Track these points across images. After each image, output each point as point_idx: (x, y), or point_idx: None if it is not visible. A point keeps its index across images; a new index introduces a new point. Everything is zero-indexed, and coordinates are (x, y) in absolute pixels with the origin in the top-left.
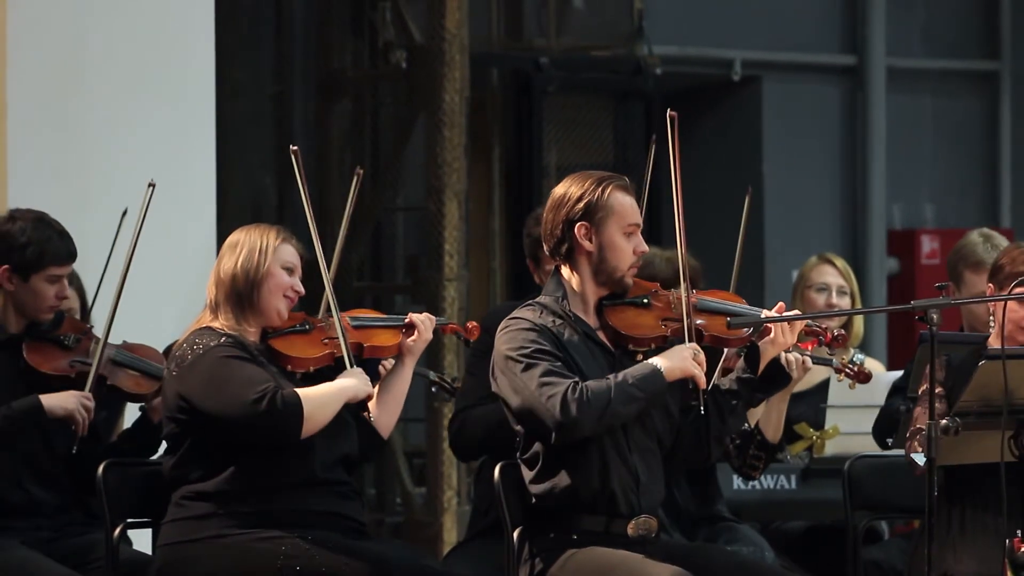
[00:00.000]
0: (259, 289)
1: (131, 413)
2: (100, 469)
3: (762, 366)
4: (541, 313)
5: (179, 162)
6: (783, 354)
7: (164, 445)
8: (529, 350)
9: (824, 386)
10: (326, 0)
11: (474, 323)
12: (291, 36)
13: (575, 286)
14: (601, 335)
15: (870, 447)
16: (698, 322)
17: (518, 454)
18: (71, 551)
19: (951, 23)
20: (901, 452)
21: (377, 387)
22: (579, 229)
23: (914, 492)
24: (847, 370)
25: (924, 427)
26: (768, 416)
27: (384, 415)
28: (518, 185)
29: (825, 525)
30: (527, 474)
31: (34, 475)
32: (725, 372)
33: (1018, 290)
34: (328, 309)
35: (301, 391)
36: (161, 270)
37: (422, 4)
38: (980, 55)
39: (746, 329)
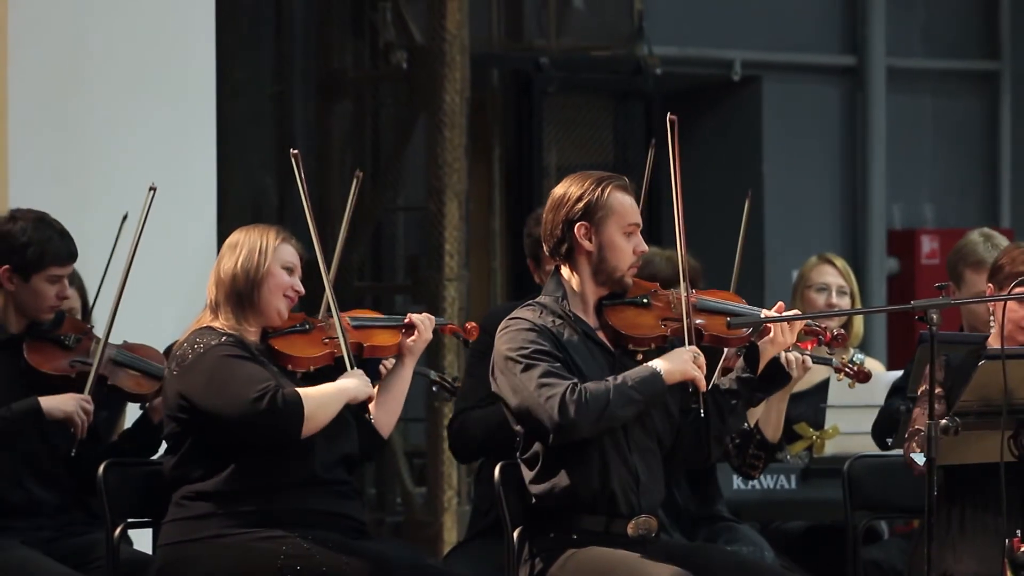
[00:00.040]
0: (259, 289)
1: (132, 413)
2: (101, 469)
3: (762, 366)
4: (541, 313)
5: (179, 162)
6: (783, 353)
7: (164, 445)
8: (529, 350)
9: (824, 386)
10: (326, 0)
11: (473, 323)
12: (291, 36)
13: (575, 286)
14: (601, 335)
15: (870, 447)
16: (698, 322)
17: (518, 454)
18: (72, 551)
19: (951, 23)
20: (901, 452)
21: (377, 387)
22: (579, 229)
23: (914, 492)
24: (847, 370)
25: (923, 428)
26: (768, 416)
27: (384, 415)
28: (518, 185)
29: (825, 525)
30: (527, 474)
31: (35, 475)
32: (725, 372)
33: (1018, 290)
34: (328, 309)
35: (302, 390)
36: (161, 270)
37: (422, 5)
38: (980, 55)
39: (746, 329)
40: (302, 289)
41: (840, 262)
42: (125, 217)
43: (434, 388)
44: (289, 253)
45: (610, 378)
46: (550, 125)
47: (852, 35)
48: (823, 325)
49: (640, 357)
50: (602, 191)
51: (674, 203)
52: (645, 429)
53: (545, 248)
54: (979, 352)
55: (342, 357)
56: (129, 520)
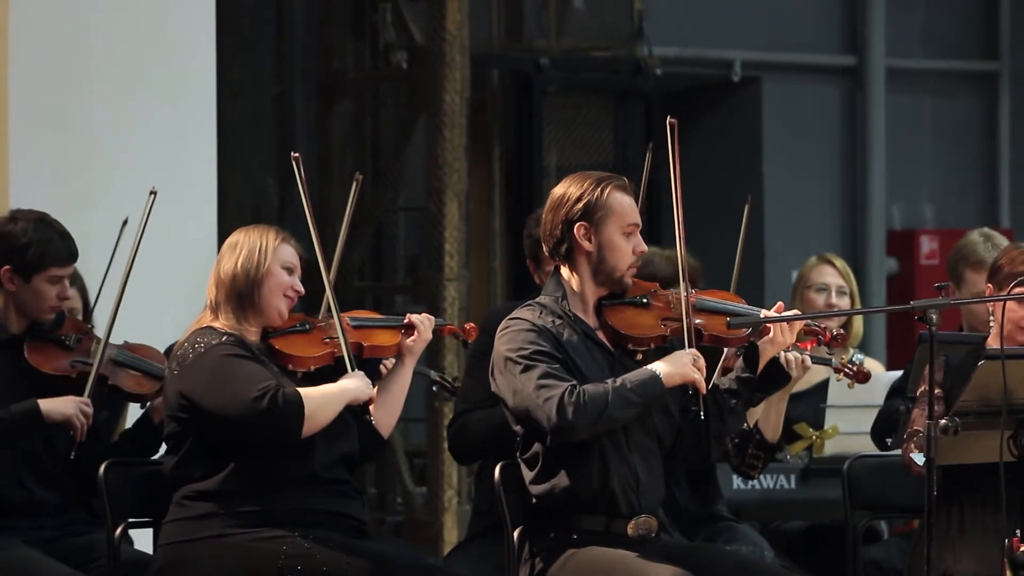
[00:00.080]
0: (259, 289)
1: (133, 413)
2: (101, 469)
3: (761, 365)
4: (541, 313)
5: (180, 163)
6: (782, 353)
7: (165, 445)
8: (528, 351)
9: (823, 386)
10: (327, 1)
11: (472, 324)
12: (292, 37)
13: (575, 286)
14: (601, 335)
15: (869, 447)
16: (697, 322)
17: (518, 454)
18: (72, 551)
19: (951, 24)
20: (900, 452)
21: (377, 387)
22: (578, 229)
23: (913, 492)
24: (846, 370)
25: (921, 429)
26: (767, 416)
27: (384, 415)
28: (518, 185)
29: (825, 525)
30: (527, 474)
31: (36, 475)
32: (725, 371)
33: (1017, 290)
34: (328, 309)
35: (302, 390)
36: (162, 271)
37: (423, 5)
38: (979, 55)
39: (745, 329)
40: (302, 289)
41: (840, 262)
42: (125, 222)
43: (434, 388)
44: (289, 253)
45: (609, 380)
46: (550, 125)
47: (852, 35)
48: (823, 325)
49: (640, 357)
50: (601, 191)
51: (674, 207)
52: (645, 429)
53: (545, 248)
54: (978, 352)
55: (342, 357)
56: (130, 520)
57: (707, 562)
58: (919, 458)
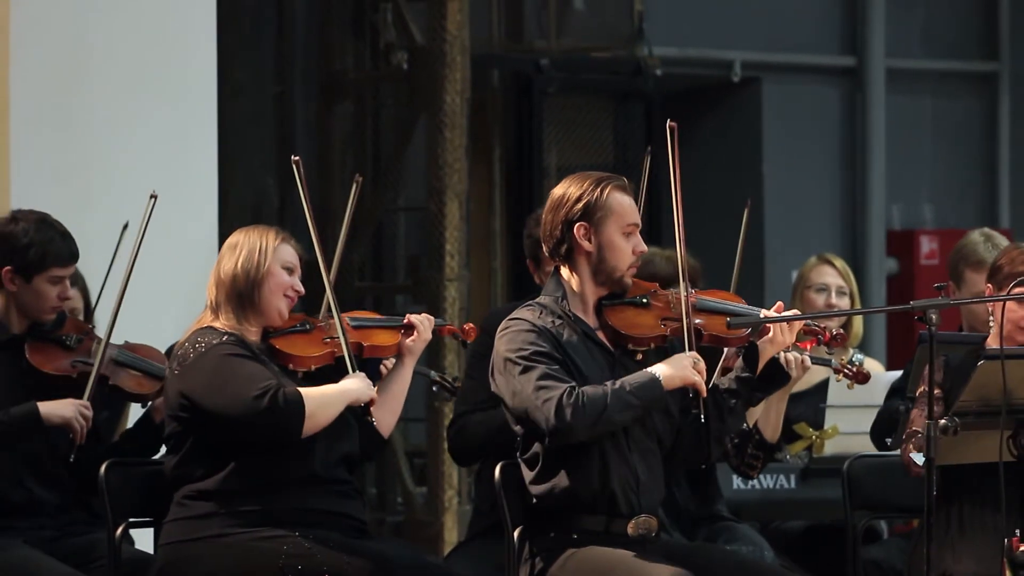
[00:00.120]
0: (260, 289)
1: (134, 413)
2: (102, 469)
3: (761, 365)
4: (540, 314)
5: (180, 163)
6: (782, 354)
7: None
8: (528, 352)
9: (823, 386)
10: (327, 1)
11: (471, 324)
12: (292, 37)
13: (574, 286)
14: (600, 335)
15: (869, 447)
16: (697, 321)
17: (518, 454)
18: (73, 550)
19: (950, 24)
20: (899, 452)
21: (377, 387)
22: (578, 229)
23: (913, 492)
24: (846, 370)
25: (920, 429)
26: (767, 416)
27: (385, 414)
28: (518, 186)
29: (824, 524)
30: (527, 474)
31: (36, 475)
32: (724, 371)
33: (1017, 290)
34: (328, 310)
35: (303, 390)
36: (162, 271)
37: (423, 5)
38: (979, 56)
39: (745, 329)
40: (302, 289)
41: (839, 262)
42: (126, 226)
43: (434, 388)
44: (289, 253)
45: (608, 383)
46: (550, 126)
47: (852, 36)
48: (822, 325)
49: (640, 357)
50: (601, 191)
51: (674, 211)
52: (645, 429)
53: (544, 248)
54: (978, 352)
55: (343, 357)
56: (130, 520)
57: (707, 562)
58: (919, 458)
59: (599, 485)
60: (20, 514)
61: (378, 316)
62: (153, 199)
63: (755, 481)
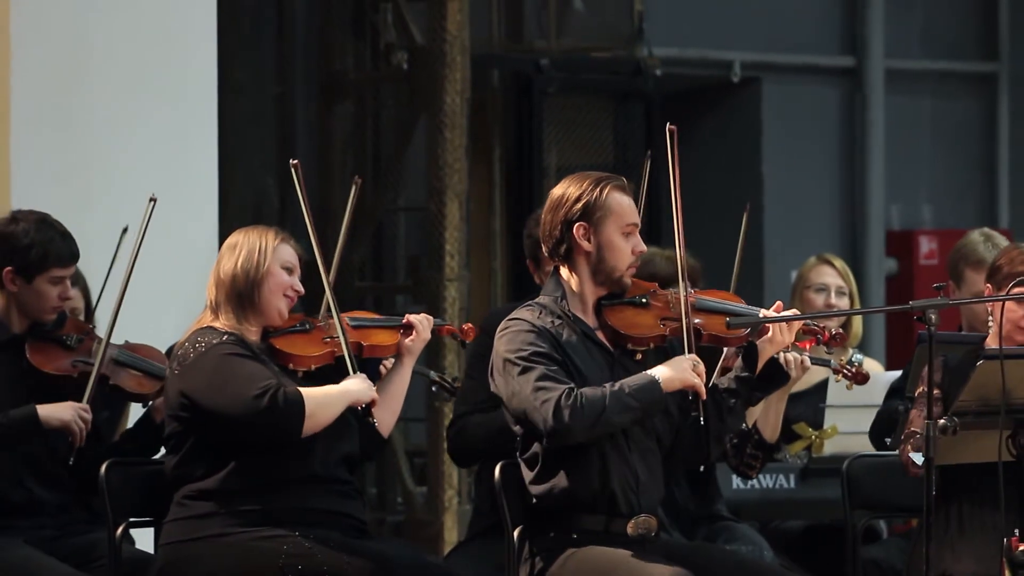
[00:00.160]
0: (259, 289)
1: (134, 413)
2: (102, 469)
3: (760, 365)
4: (540, 314)
5: (181, 163)
6: (781, 354)
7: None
8: (527, 353)
9: (823, 386)
10: (327, 1)
11: (470, 324)
12: (293, 37)
13: (574, 286)
14: (600, 335)
15: (868, 447)
16: (696, 321)
17: (518, 454)
18: (73, 550)
19: (950, 25)
20: (898, 452)
21: (377, 387)
22: (577, 229)
23: (912, 491)
24: (845, 371)
25: (918, 430)
26: (766, 416)
27: (384, 414)
28: (518, 186)
29: (824, 524)
30: (527, 474)
31: (36, 475)
32: (724, 371)
33: (1016, 290)
34: (327, 310)
35: (304, 390)
36: (163, 271)
37: (423, 6)
38: (978, 56)
39: (744, 328)
40: (301, 289)
41: (839, 263)
42: (125, 230)
43: (433, 388)
44: (288, 253)
45: (607, 384)
46: (550, 126)
47: (851, 36)
48: (822, 325)
49: (639, 357)
50: (600, 191)
51: (674, 215)
52: (644, 429)
53: (544, 248)
54: (977, 352)
55: (343, 356)
56: (131, 519)
57: (707, 562)
58: (917, 458)
59: (599, 485)
60: (20, 514)
61: (377, 316)
62: (152, 202)
63: (755, 481)
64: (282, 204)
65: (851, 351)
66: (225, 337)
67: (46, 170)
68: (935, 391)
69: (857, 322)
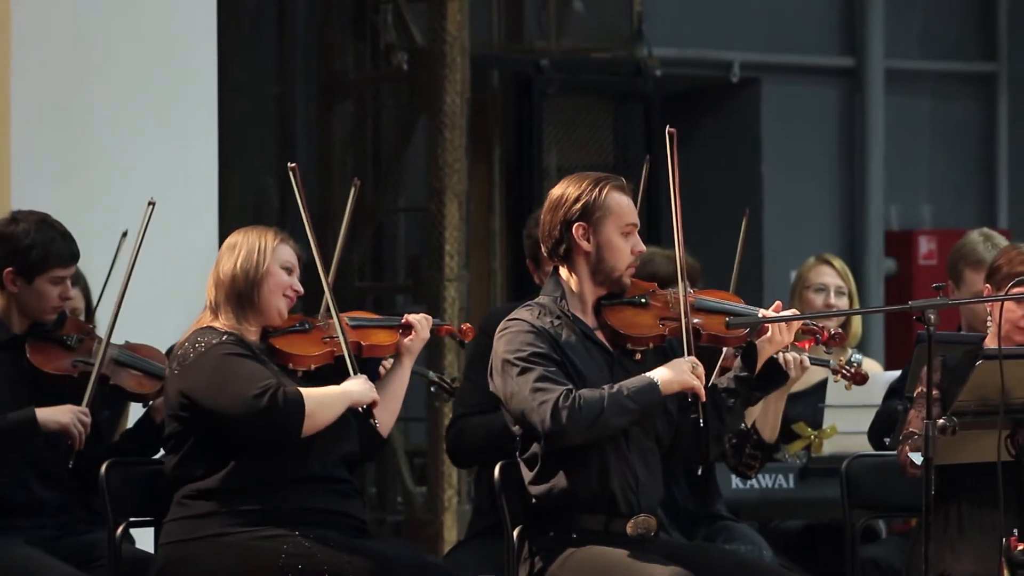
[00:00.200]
0: (259, 289)
1: (134, 413)
2: (103, 469)
3: (759, 365)
4: (539, 314)
5: (181, 163)
6: (780, 354)
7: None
8: (525, 354)
9: (822, 386)
10: (327, 2)
11: (468, 325)
12: (293, 38)
13: (573, 286)
14: (599, 335)
15: (867, 447)
16: (696, 321)
17: (518, 454)
18: (74, 550)
19: (949, 25)
20: (896, 453)
21: (376, 387)
22: (577, 229)
23: (911, 491)
24: (844, 371)
25: (916, 431)
26: (765, 416)
27: (383, 414)
28: (518, 186)
29: (823, 524)
30: (527, 474)
31: (37, 474)
32: (723, 371)
33: (1015, 290)
34: (327, 310)
35: (304, 390)
36: (163, 271)
37: (423, 6)
38: (978, 57)
39: (744, 328)
40: (301, 289)
41: (838, 263)
42: (125, 233)
43: (432, 389)
44: (287, 253)
45: (606, 386)
46: (550, 126)
47: (851, 37)
48: (821, 325)
49: (638, 357)
50: (599, 192)
51: (674, 217)
52: (644, 429)
53: (543, 249)
54: (976, 352)
55: (342, 356)
56: (131, 519)
57: (706, 561)
58: (916, 458)
59: (598, 485)
60: (21, 514)
61: (376, 316)
62: (151, 206)
63: (754, 481)
64: (282, 204)
65: (850, 351)
66: (225, 337)
67: (46, 170)
68: (934, 391)
69: (856, 322)
